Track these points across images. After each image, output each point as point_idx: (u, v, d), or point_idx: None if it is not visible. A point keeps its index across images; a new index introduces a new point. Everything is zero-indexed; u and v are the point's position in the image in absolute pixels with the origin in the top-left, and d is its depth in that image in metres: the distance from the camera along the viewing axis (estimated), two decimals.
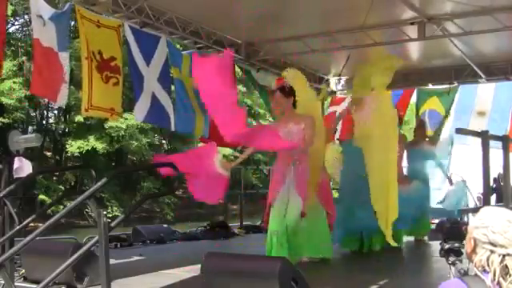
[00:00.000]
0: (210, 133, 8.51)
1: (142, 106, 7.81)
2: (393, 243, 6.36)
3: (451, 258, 3.25)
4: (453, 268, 3.24)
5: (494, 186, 11.27)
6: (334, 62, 11.02)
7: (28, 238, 4.29)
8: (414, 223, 8.05)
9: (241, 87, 23.45)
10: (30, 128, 24.62)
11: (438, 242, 3.38)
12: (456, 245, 3.22)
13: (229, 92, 5.42)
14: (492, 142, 5.32)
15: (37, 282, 4.37)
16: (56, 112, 26.15)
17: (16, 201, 5.46)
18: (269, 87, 10.76)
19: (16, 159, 6.15)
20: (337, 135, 9.36)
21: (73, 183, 23.66)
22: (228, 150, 20.03)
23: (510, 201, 5.45)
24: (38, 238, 4.47)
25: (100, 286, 4.02)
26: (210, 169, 5.37)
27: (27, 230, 5.09)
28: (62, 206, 11.54)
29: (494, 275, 1.81)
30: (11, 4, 19.81)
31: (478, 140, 5.30)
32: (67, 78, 6.93)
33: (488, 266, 1.84)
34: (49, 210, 9.75)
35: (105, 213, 3.94)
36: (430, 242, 8.14)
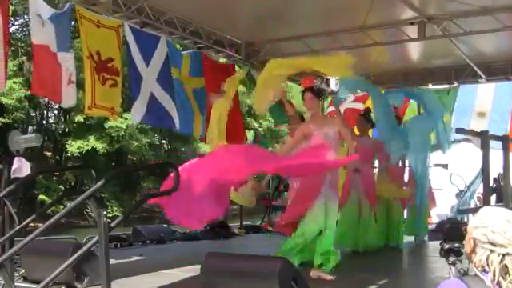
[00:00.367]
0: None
1: (140, 107, 7.81)
2: None
3: (451, 258, 3.26)
4: (453, 268, 3.25)
5: (494, 185, 11.28)
6: None
7: (28, 238, 4.29)
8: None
9: (241, 87, 23.44)
10: (30, 128, 24.61)
11: (438, 242, 3.39)
12: (456, 245, 3.23)
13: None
14: (492, 143, 5.32)
15: (37, 282, 4.37)
16: (56, 112, 26.16)
17: (16, 201, 5.46)
18: None
19: (15, 159, 6.15)
20: None
21: (73, 183, 23.65)
22: None
23: (510, 201, 5.45)
24: (37, 238, 4.47)
25: (100, 286, 4.01)
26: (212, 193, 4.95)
27: (27, 230, 5.08)
28: (62, 206, 11.52)
29: (494, 275, 1.81)
30: (11, 4, 19.80)
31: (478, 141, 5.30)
32: (74, 78, 6.93)
33: (488, 265, 1.84)
34: (49, 210, 9.73)
35: (105, 213, 3.93)
36: (430, 242, 8.15)
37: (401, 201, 8.25)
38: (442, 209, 11.37)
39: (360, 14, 7.75)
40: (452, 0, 7.34)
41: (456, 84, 10.83)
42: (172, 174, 4.72)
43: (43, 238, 5.65)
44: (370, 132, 8.56)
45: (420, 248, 8.31)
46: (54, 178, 23.13)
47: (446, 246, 3.29)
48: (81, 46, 7.46)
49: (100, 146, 23.25)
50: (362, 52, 9.17)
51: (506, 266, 1.81)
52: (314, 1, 7.57)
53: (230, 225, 10.33)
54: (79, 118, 22.39)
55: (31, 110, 24.41)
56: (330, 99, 12.15)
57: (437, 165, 10.63)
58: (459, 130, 6.66)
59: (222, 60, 10.05)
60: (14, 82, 21.26)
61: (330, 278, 5.45)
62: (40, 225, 4.91)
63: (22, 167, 6.36)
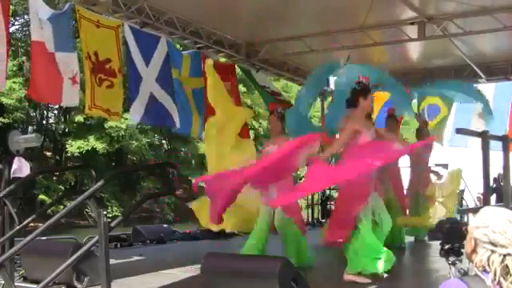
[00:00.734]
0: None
1: (138, 107, 7.81)
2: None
3: (451, 258, 3.25)
4: (453, 268, 3.24)
5: (494, 186, 11.28)
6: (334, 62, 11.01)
7: (28, 238, 4.29)
8: None
9: (241, 87, 23.44)
10: (30, 128, 24.54)
11: (438, 242, 3.38)
12: (456, 245, 3.22)
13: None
14: (491, 144, 5.31)
15: (37, 282, 4.37)
16: (56, 112, 26.16)
17: (16, 201, 5.46)
18: (268, 87, 10.79)
19: (15, 159, 6.15)
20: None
21: (73, 183, 23.63)
22: None
23: (510, 201, 5.45)
24: (37, 238, 4.47)
25: (100, 286, 4.01)
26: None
27: (27, 230, 5.09)
28: (62, 206, 11.53)
29: (495, 275, 1.80)
30: (11, 4, 19.79)
31: (478, 140, 5.30)
32: (78, 78, 6.94)
33: (488, 265, 1.83)
34: (49, 210, 9.74)
35: (105, 213, 3.93)
36: (430, 242, 8.15)
37: (401, 201, 8.25)
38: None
39: (360, 13, 7.76)
40: (452, 0, 7.34)
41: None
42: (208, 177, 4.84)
43: (43, 237, 5.65)
44: None
45: (420, 248, 8.30)
46: (54, 178, 23.12)
47: (446, 246, 3.28)
48: (81, 47, 7.46)
49: (100, 146, 23.24)
50: (362, 52, 9.18)
51: (506, 266, 1.81)
52: (314, 1, 7.58)
53: None
54: (79, 118, 22.39)
55: (31, 110, 24.40)
56: (329, 99, 12.16)
57: (437, 165, 10.61)
58: (459, 130, 6.64)
59: (222, 60, 10.06)
60: (14, 82, 21.25)
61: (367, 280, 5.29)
62: (40, 225, 4.92)
63: (22, 167, 6.37)
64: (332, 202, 11.49)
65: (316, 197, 12.14)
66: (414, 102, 11.65)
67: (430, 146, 7.83)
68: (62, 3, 13.23)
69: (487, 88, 11.01)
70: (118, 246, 8.18)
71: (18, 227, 5.02)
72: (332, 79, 11.05)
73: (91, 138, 23.31)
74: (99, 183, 4.54)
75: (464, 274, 3.05)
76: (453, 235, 3.25)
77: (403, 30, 8.47)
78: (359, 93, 5.49)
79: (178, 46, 11.62)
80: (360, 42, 8.85)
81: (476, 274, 1.86)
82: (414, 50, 9.99)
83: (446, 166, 10.11)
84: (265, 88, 10.63)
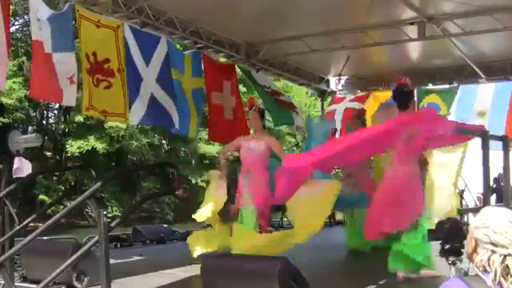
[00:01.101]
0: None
1: (140, 108, 7.77)
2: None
3: (451, 258, 3.25)
4: (453, 268, 3.24)
5: (494, 186, 11.28)
6: (334, 62, 11.03)
7: (28, 238, 4.29)
8: None
9: (241, 87, 23.44)
10: (30, 128, 24.57)
11: (438, 242, 3.38)
12: (456, 245, 3.22)
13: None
14: (490, 143, 5.30)
15: (37, 282, 4.37)
16: (56, 112, 26.16)
17: (16, 201, 5.45)
18: (269, 87, 10.79)
19: (16, 159, 6.15)
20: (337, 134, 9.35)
21: (73, 183, 23.65)
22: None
23: (510, 201, 5.44)
24: (38, 238, 4.47)
25: (100, 286, 4.01)
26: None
27: (27, 230, 5.08)
28: (62, 206, 11.52)
29: (495, 275, 1.80)
30: (11, 4, 19.80)
31: (478, 140, 5.29)
32: (75, 78, 6.92)
33: (489, 266, 1.83)
34: (49, 210, 9.73)
35: (105, 213, 3.93)
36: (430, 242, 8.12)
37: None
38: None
39: (360, 14, 7.75)
40: (452, 0, 7.34)
41: (456, 84, 10.84)
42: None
43: (43, 237, 5.65)
44: None
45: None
46: (54, 178, 23.11)
47: (446, 246, 3.28)
48: (80, 47, 7.44)
49: (100, 146, 23.24)
50: (362, 52, 9.18)
51: (507, 266, 1.81)
52: (314, 1, 7.57)
53: None
54: (79, 118, 22.38)
55: (31, 110, 24.40)
56: (329, 99, 12.18)
57: None
58: (459, 131, 6.63)
59: (222, 60, 10.06)
60: (14, 82, 21.25)
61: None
62: (40, 225, 4.91)
63: (22, 167, 6.38)
64: None
65: None
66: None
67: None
68: (62, 3, 13.25)
69: (487, 88, 11.02)
70: (118, 246, 8.19)
71: (18, 227, 5.02)
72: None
73: (91, 138, 23.30)
74: (99, 183, 4.53)
75: (464, 274, 3.05)
76: (453, 235, 3.24)
77: (403, 30, 8.47)
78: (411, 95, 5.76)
79: (178, 46, 11.62)
80: (360, 41, 8.85)
81: (476, 274, 1.86)
82: (414, 50, 9.98)
83: None
84: (265, 88, 10.63)
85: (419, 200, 5.26)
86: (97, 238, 3.98)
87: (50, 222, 4.35)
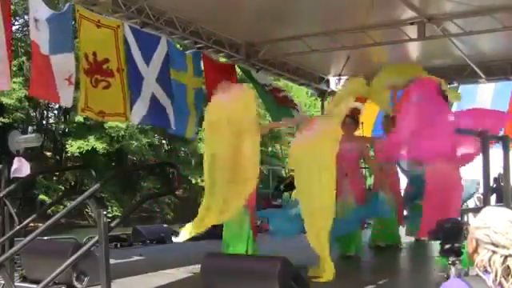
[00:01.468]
0: None
1: (141, 108, 7.77)
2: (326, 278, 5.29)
3: (451, 258, 3.25)
4: (453, 268, 3.24)
5: (494, 185, 11.26)
6: (334, 62, 11.02)
7: (28, 238, 4.29)
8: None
9: None
10: (30, 128, 24.54)
11: (438, 242, 3.38)
12: (456, 245, 3.22)
13: None
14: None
15: (37, 282, 4.37)
16: (56, 112, 26.16)
17: (16, 201, 5.46)
18: (269, 86, 10.79)
19: (15, 159, 6.15)
20: None
21: (73, 183, 23.66)
22: None
23: (510, 201, 5.44)
24: (38, 238, 4.47)
25: (100, 286, 4.01)
26: None
27: (27, 230, 5.09)
28: (62, 206, 11.53)
29: (496, 276, 1.80)
30: (11, 4, 19.82)
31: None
32: (73, 79, 6.91)
33: (490, 266, 1.83)
34: (49, 210, 9.75)
35: (105, 213, 3.93)
36: (430, 242, 8.14)
37: (398, 201, 8.23)
38: None
39: (360, 14, 7.75)
40: (452, 0, 7.34)
41: (456, 84, 10.83)
42: None
43: (43, 237, 5.65)
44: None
45: (420, 248, 8.30)
46: (54, 178, 23.12)
47: (446, 246, 3.28)
48: (79, 47, 7.42)
49: (100, 146, 23.25)
50: (362, 52, 9.18)
51: (508, 267, 1.81)
52: (314, 1, 7.57)
53: None
54: (79, 118, 22.37)
55: (31, 110, 24.41)
56: (329, 99, 12.18)
57: None
58: (459, 130, 6.64)
59: (222, 60, 10.06)
60: (14, 82, 21.19)
61: None
62: (40, 225, 4.92)
63: (21, 167, 6.37)
64: None
65: None
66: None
67: None
68: (62, 3, 13.24)
69: (487, 88, 11.03)
70: (118, 246, 8.19)
71: (17, 227, 5.02)
72: None
73: (91, 138, 23.31)
74: (99, 183, 4.53)
75: (465, 274, 3.05)
76: (453, 235, 3.25)
77: (403, 30, 8.47)
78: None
79: (178, 46, 11.62)
80: (360, 41, 8.84)
81: (477, 274, 1.86)
82: (414, 50, 9.98)
83: None
84: (265, 86, 10.64)
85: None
86: (97, 238, 3.98)
87: (50, 222, 4.35)
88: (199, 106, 8.86)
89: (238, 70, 10.37)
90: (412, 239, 8.54)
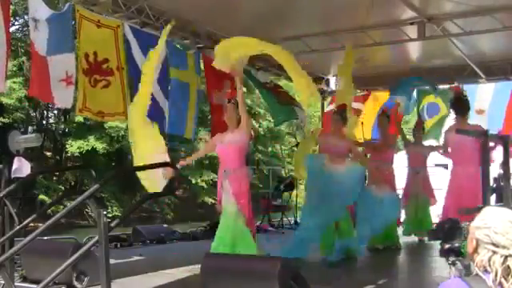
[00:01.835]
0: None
1: None
2: None
3: (451, 258, 3.25)
4: (453, 268, 3.24)
5: (494, 185, 11.25)
6: (334, 62, 11.01)
7: (28, 238, 4.28)
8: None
9: None
10: (30, 128, 24.56)
11: (438, 242, 3.39)
12: (456, 245, 3.22)
13: None
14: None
15: (37, 282, 4.37)
16: (56, 112, 26.14)
17: (16, 201, 5.45)
18: (269, 84, 10.78)
19: (15, 159, 6.14)
20: None
21: (73, 183, 23.63)
22: None
23: (510, 201, 5.45)
24: (38, 238, 4.46)
25: (100, 286, 4.01)
26: None
27: (27, 230, 5.08)
28: (62, 206, 11.51)
29: (496, 276, 1.80)
30: (11, 4, 19.80)
31: None
32: (73, 79, 6.91)
33: (490, 266, 1.83)
34: (49, 210, 9.72)
35: (105, 213, 3.92)
36: (430, 242, 8.15)
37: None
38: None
39: (360, 14, 7.75)
40: (452, 0, 7.34)
41: (456, 84, 10.83)
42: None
43: (43, 237, 5.65)
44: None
45: (420, 248, 8.31)
46: (54, 178, 23.10)
47: (446, 246, 3.29)
48: (79, 47, 7.42)
49: (100, 146, 23.23)
50: (362, 52, 9.17)
51: (508, 267, 1.81)
52: (314, 1, 7.57)
53: None
54: (79, 118, 22.35)
55: (31, 110, 24.39)
56: (329, 99, 12.18)
57: (437, 165, 10.62)
58: (459, 131, 6.65)
59: None
60: (14, 82, 21.23)
61: None
62: (40, 225, 4.91)
63: (21, 167, 6.37)
64: None
65: None
66: (413, 102, 11.70)
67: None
68: (62, 3, 13.24)
69: (487, 88, 11.02)
70: (118, 245, 8.19)
71: (17, 227, 5.02)
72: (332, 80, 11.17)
73: (91, 138, 23.29)
74: (99, 183, 4.53)
75: (465, 274, 3.05)
76: (453, 235, 3.25)
77: (403, 30, 8.47)
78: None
79: (177, 46, 11.61)
80: (360, 41, 8.84)
81: (477, 274, 1.86)
82: (414, 50, 9.98)
83: (446, 167, 10.09)
84: (266, 84, 10.63)
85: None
86: (97, 238, 3.98)
87: (50, 222, 4.34)
88: (199, 105, 8.85)
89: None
90: (411, 239, 8.56)
